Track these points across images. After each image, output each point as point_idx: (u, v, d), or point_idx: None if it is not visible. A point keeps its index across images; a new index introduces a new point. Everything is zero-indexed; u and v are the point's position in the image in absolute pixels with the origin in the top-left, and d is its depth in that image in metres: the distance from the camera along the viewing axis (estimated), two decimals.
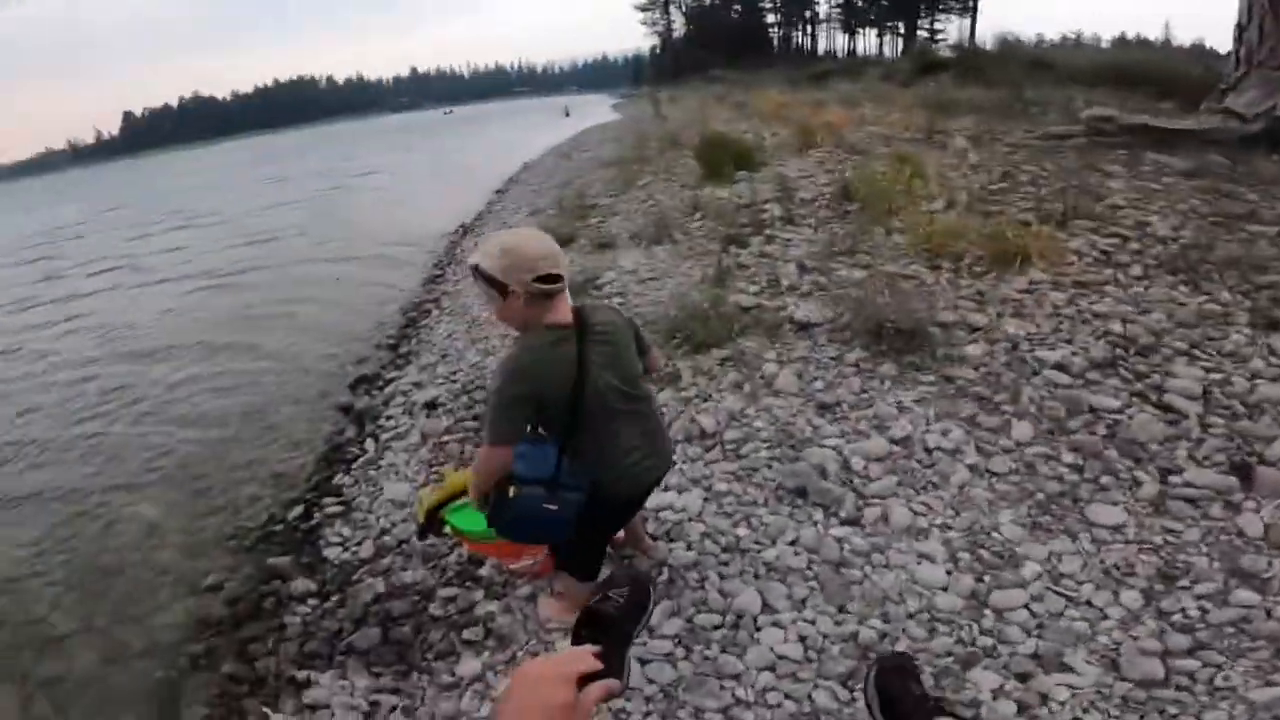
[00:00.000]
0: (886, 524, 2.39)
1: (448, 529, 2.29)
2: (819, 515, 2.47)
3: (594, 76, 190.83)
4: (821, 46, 54.90)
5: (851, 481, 2.62)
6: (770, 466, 2.77)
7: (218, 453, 4.20)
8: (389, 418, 3.92)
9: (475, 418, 3.60)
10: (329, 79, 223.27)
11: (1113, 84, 9.73)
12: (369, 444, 3.68)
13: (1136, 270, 3.70)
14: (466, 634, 2.29)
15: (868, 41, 52.94)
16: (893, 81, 15.32)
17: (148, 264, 11.50)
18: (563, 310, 1.65)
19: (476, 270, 1.60)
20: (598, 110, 26.95)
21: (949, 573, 2.16)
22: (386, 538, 2.86)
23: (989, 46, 15.82)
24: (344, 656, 2.33)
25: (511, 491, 1.60)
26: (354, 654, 2.33)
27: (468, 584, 2.51)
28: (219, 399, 5.07)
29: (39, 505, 3.99)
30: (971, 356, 3.25)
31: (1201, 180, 4.98)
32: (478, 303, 5.53)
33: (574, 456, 1.65)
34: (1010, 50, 14.88)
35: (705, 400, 3.29)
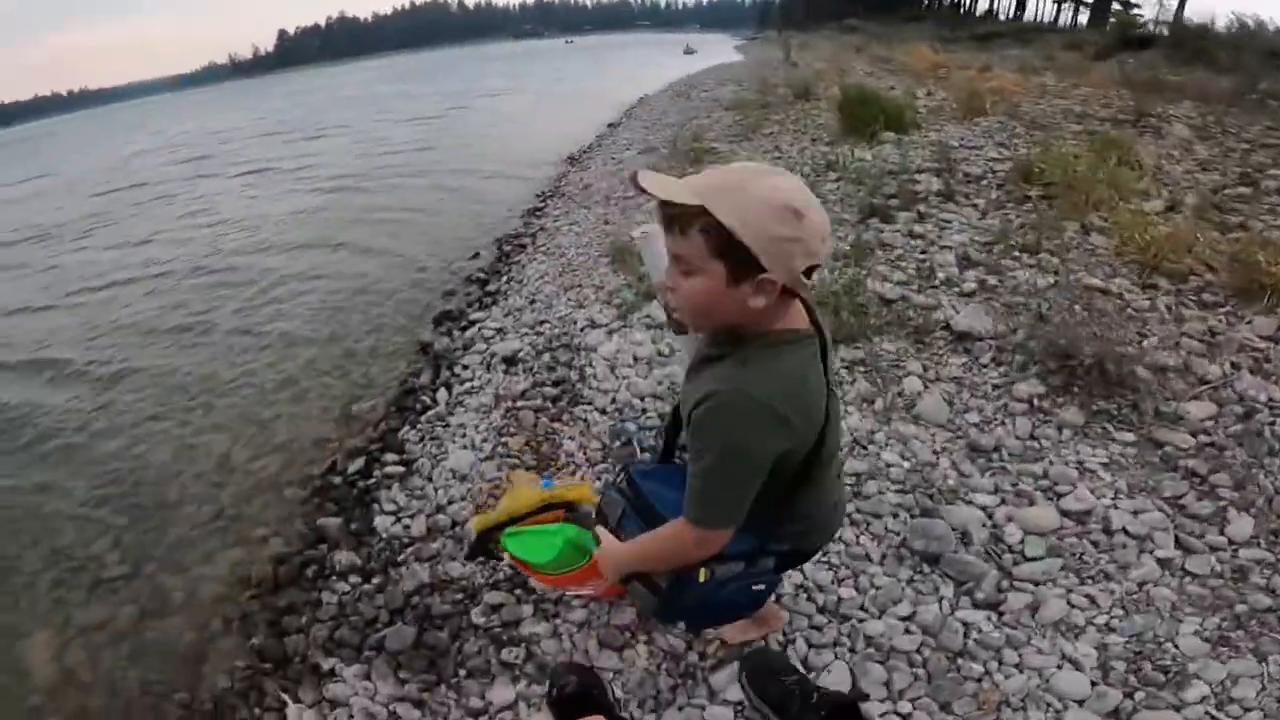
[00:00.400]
0: (1033, 616, 1.86)
1: (504, 553, 1.90)
2: (948, 590, 1.96)
3: (718, 15, 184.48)
4: (981, 5, 48.81)
5: (1000, 556, 2.05)
6: (896, 516, 2.23)
7: (296, 380, 4.07)
8: (465, 366, 3.58)
9: (556, 383, 3.20)
10: (460, 3, 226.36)
11: None
12: (441, 394, 3.36)
13: None
14: (506, 654, 1.98)
15: (1042, 7, 46.41)
16: (1078, 52, 13.12)
17: (285, 167, 12.59)
18: (796, 309, 1.08)
19: (710, 227, 0.92)
20: (719, 50, 25.37)
21: (1094, 684, 1.66)
22: (440, 516, 2.53)
23: (1218, 25, 13.17)
24: (373, 653, 2.09)
25: (702, 575, 1.15)
26: (384, 652, 2.08)
27: (517, 592, 2.16)
28: (307, 320, 4.98)
29: (126, 409, 4.04)
30: (1191, 418, 2.49)
31: None
32: (574, 245, 5.11)
33: (790, 516, 1.20)
34: (1247, 34, 12.24)
35: None
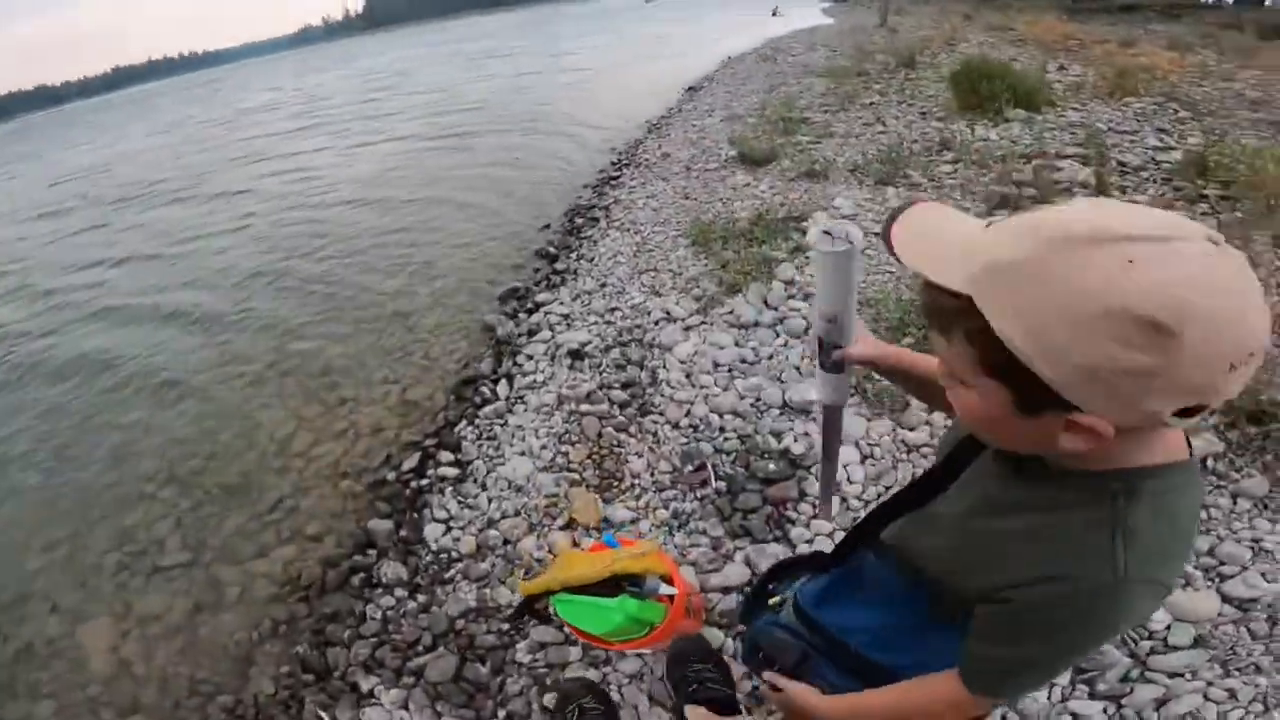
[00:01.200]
0: (1157, 710, 1.57)
1: (553, 615, 1.65)
2: (1064, 676, 1.65)
3: None
4: None
5: (1137, 643, 1.70)
6: None
7: (360, 356, 3.95)
8: (529, 356, 3.32)
9: (625, 385, 2.89)
10: None
11: None
12: (501, 387, 3.13)
13: None
14: (549, 699, 1.80)
15: None
16: (1238, 31, 11.36)
17: (373, 126, 12.93)
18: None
19: (975, 333, 0.56)
20: (807, 12, 23.70)
21: None
22: (492, 532, 2.31)
23: None
24: (413, 679, 1.95)
25: None
26: (423, 680, 1.94)
27: (566, 630, 1.90)
28: (375, 291, 4.86)
29: (199, 378, 4.07)
30: None
31: None
32: (650, 222, 4.74)
33: None
34: None
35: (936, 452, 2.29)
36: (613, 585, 1.50)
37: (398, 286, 4.84)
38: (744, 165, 5.64)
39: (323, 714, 1.94)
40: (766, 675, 1.03)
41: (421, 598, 2.17)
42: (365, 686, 1.95)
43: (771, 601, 1.09)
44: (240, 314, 4.90)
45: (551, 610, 1.63)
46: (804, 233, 3.99)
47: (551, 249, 4.85)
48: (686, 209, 4.83)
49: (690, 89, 11.02)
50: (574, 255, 4.57)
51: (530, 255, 4.94)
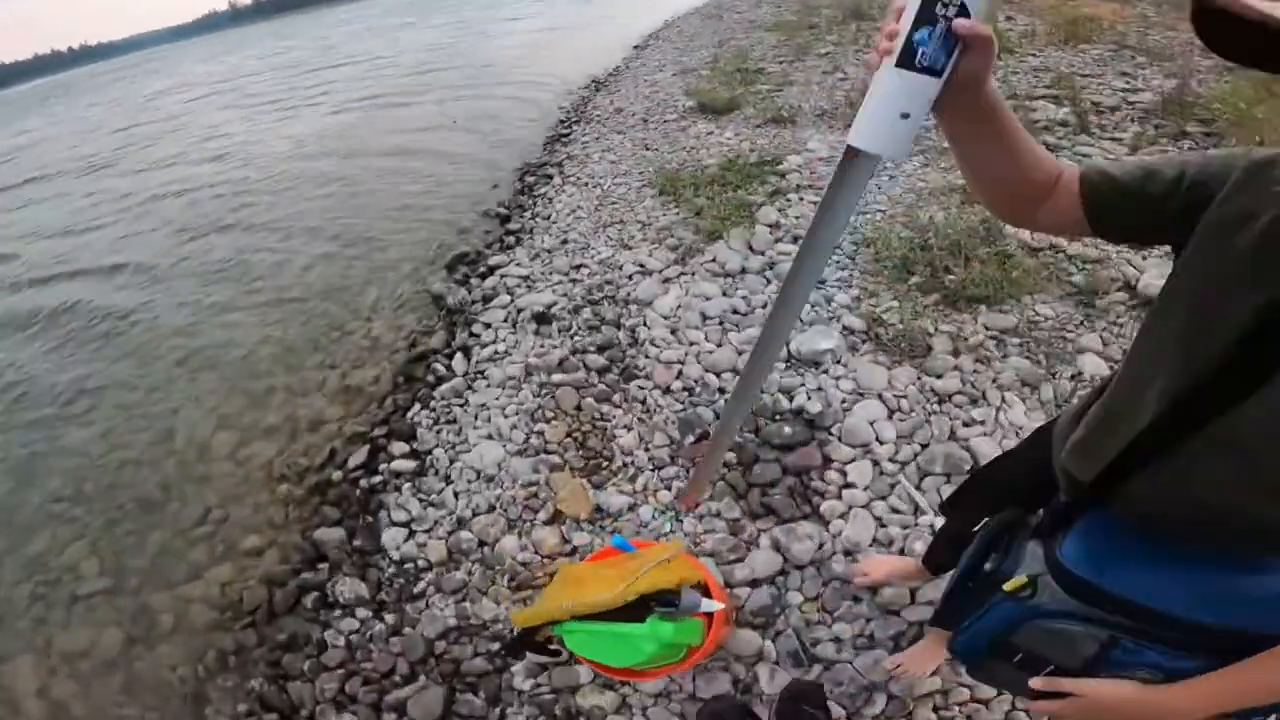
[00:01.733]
0: None
1: (558, 646, 1.27)
2: None
3: None
4: None
5: None
6: None
7: (289, 341, 3.46)
8: (486, 325, 2.88)
9: (601, 348, 2.51)
10: None
11: None
12: (458, 361, 2.68)
13: None
14: None
15: None
16: None
17: (300, 96, 12.08)
18: None
19: None
20: None
21: None
22: (464, 534, 1.91)
23: None
24: (395, 716, 1.60)
25: None
26: (406, 717, 1.58)
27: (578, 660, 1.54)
28: (301, 265, 4.34)
29: (98, 377, 3.53)
30: None
31: None
32: (609, 174, 4.32)
33: None
34: None
35: (974, 403, 2.01)
36: (638, 605, 1.13)
37: (329, 260, 4.31)
38: (704, 115, 5.26)
39: None
40: (1041, 682, 0.72)
41: (390, 618, 1.78)
42: None
43: (1009, 587, 0.74)
44: (144, 301, 4.29)
45: (557, 643, 1.25)
46: (781, 175, 3.66)
47: (502, 209, 4.37)
48: (648, 160, 4.43)
49: (636, 47, 10.50)
50: (527, 214, 4.11)
51: (478, 218, 4.44)
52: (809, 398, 2.09)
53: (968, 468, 1.81)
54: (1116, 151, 3.33)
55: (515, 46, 13.92)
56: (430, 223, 4.58)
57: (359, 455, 2.38)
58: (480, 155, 6.01)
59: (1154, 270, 2.33)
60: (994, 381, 2.08)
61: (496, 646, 1.66)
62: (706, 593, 1.26)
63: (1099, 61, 5.05)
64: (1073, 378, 2.06)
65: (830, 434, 1.99)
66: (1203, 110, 3.56)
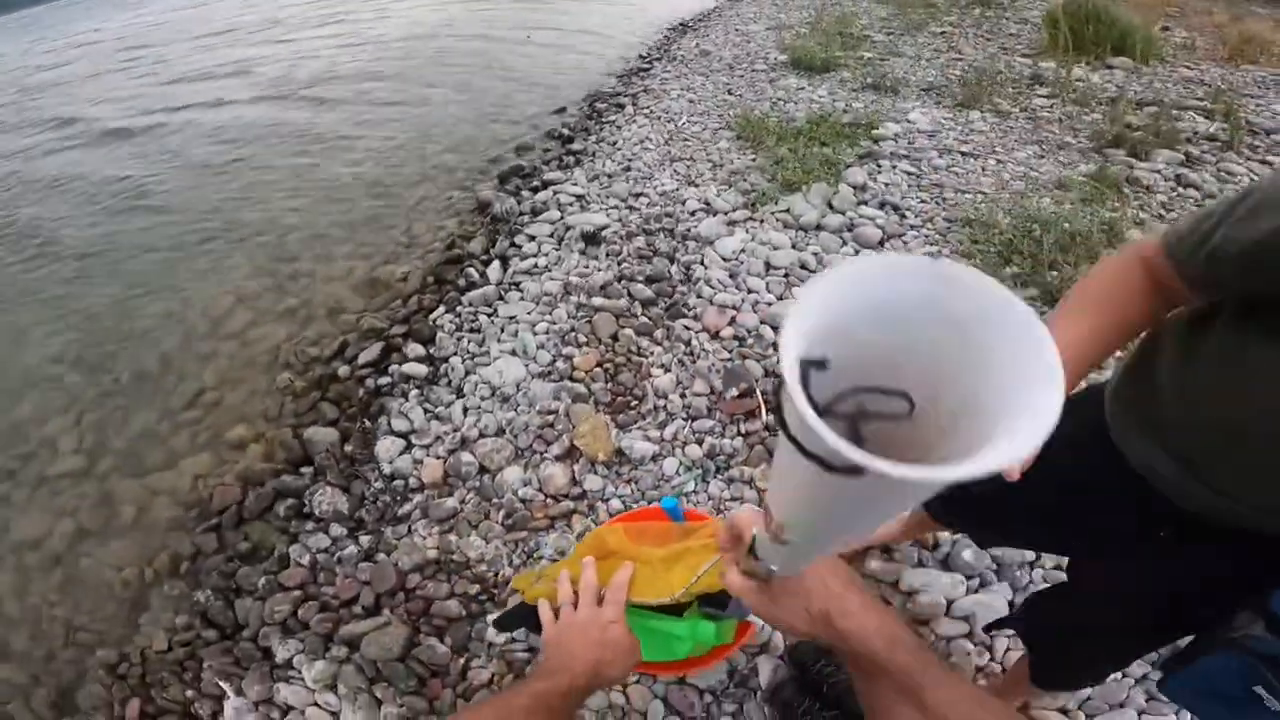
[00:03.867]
0: None
1: None
2: None
3: None
4: None
5: None
6: None
7: (323, 230, 3.27)
8: (531, 237, 2.65)
9: (651, 279, 2.26)
10: None
11: None
12: (493, 270, 2.46)
13: None
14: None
15: None
16: None
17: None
18: None
19: None
20: None
21: None
22: (465, 455, 1.71)
23: None
24: (345, 651, 1.41)
25: None
26: (359, 655, 1.39)
27: None
28: (354, 160, 4.13)
29: (128, 235, 3.43)
30: None
31: None
32: (686, 112, 4.00)
33: None
34: None
35: None
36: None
37: (380, 157, 4.10)
38: (797, 71, 4.87)
39: (224, 685, 1.41)
40: None
41: (365, 540, 1.60)
42: (281, 654, 1.42)
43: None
44: (189, 174, 4.17)
45: None
46: (875, 140, 3.31)
47: (566, 130, 4.09)
48: (730, 104, 4.09)
49: None
50: (592, 138, 3.82)
51: (541, 136, 4.17)
52: None
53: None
54: (1264, 174, 2.90)
55: None
56: (489, 135, 4.32)
57: (371, 352, 2.19)
58: (551, 79, 5.70)
59: None
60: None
61: (475, 590, 1.47)
62: None
63: (1260, 84, 4.52)
64: None
65: None
66: None
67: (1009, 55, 5.36)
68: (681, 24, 7.95)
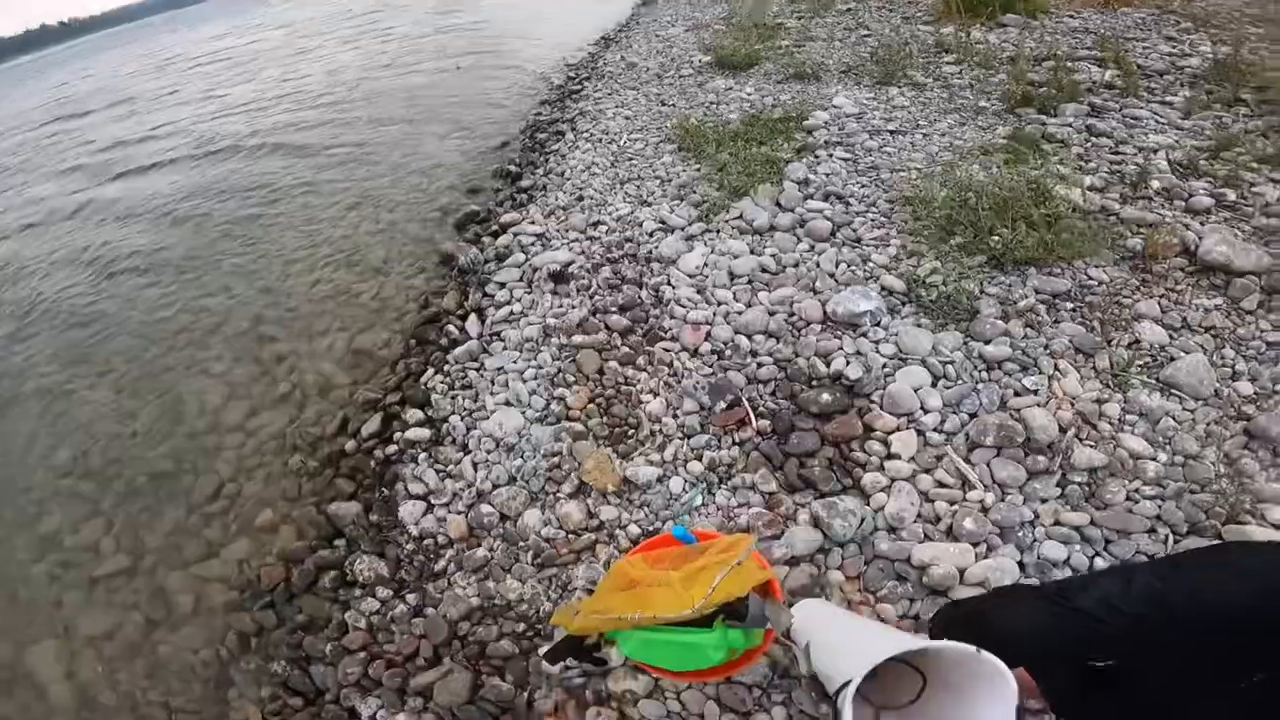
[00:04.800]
0: None
1: (613, 656, 1.17)
2: None
3: None
4: None
5: None
6: (1155, 533, 1.55)
7: (293, 305, 3.31)
8: (500, 284, 2.75)
9: (624, 308, 2.38)
10: None
11: None
12: (471, 323, 2.55)
13: None
14: (592, 717, 1.42)
15: None
16: None
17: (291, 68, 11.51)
18: None
19: None
20: None
21: None
22: (485, 508, 1.80)
23: None
24: (420, 701, 1.52)
25: None
26: (433, 703, 1.50)
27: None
28: (304, 229, 4.15)
29: (104, 348, 3.38)
30: None
31: None
32: (625, 130, 4.13)
33: None
34: None
35: (1025, 371, 1.89)
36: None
37: (333, 222, 4.12)
38: (722, 71, 5.03)
39: None
40: None
41: (411, 598, 1.69)
42: (365, 712, 1.52)
43: None
44: (148, 264, 4.12)
45: (612, 652, 1.14)
46: (809, 131, 3.48)
47: (513, 167, 4.19)
48: (665, 115, 4.23)
49: (643, 3, 10.07)
50: (539, 171, 3.93)
51: (488, 176, 4.26)
52: (848, 362, 1.97)
53: (1020, 440, 1.70)
54: (1168, 115, 3.13)
55: (509, 11, 13.31)
56: (436, 181, 4.40)
57: (372, 424, 2.26)
58: (487, 115, 5.76)
59: (1214, 235, 2.18)
60: (1046, 348, 1.95)
61: (522, 628, 1.57)
62: (770, 592, 1.15)
63: (1141, 26, 4.81)
64: (1130, 345, 1.94)
65: (871, 401, 1.87)
66: (1258, 77, 3.36)
67: (911, 25, 5.60)
68: (604, 38, 8.07)
